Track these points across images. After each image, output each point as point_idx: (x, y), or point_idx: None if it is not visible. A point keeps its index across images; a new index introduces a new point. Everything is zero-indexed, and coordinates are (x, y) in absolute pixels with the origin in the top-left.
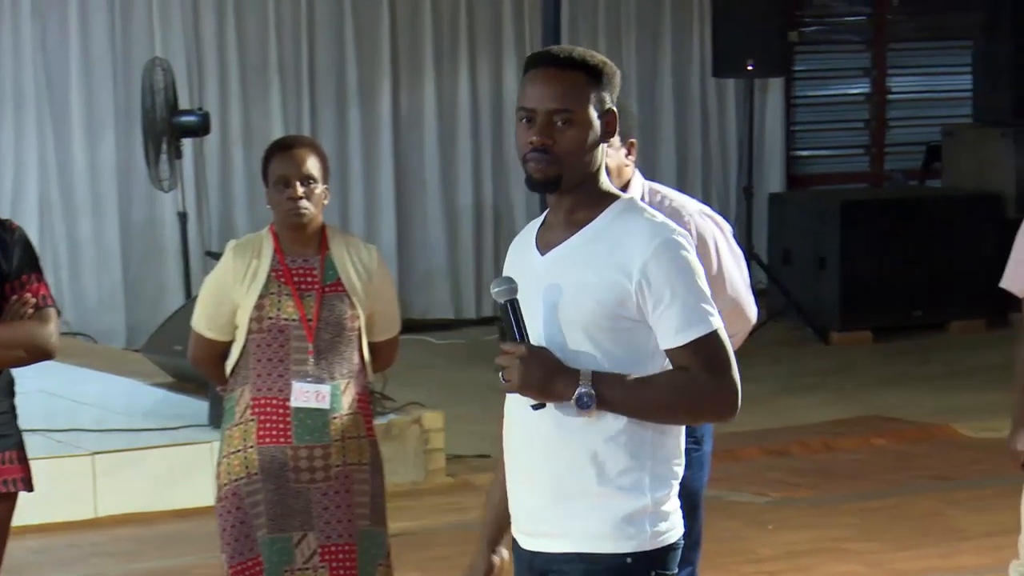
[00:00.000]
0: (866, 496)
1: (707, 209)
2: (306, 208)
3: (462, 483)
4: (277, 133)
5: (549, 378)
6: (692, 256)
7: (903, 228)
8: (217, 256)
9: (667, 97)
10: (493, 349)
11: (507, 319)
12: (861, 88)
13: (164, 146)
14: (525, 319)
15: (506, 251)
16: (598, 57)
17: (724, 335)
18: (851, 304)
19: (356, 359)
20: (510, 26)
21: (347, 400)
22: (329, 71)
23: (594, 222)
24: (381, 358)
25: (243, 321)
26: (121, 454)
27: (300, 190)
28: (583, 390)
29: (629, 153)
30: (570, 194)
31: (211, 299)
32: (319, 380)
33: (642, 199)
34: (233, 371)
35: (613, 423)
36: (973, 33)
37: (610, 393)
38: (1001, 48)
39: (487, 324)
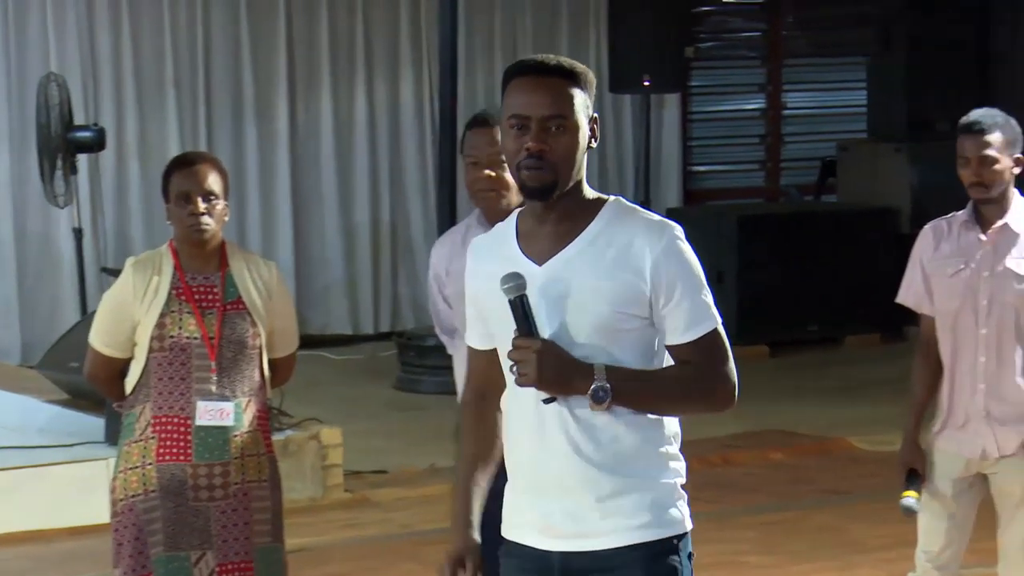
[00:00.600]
0: (764, 510)
1: None
2: (207, 224)
3: (360, 499)
4: (173, 148)
5: (565, 372)
6: (692, 251)
7: (799, 243)
8: (113, 272)
9: None
10: (391, 364)
11: (518, 315)
12: (757, 104)
13: (59, 162)
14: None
15: (404, 265)
16: (579, 64)
17: (722, 329)
18: (748, 319)
19: (257, 376)
20: (406, 41)
21: (248, 417)
22: (225, 86)
23: (591, 226)
24: (279, 374)
25: (143, 339)
26: (16, 471)
27: (202, 206)
28: (598, 384)
29: None
30: (560, 201)
31: (110, 316)
32: (222, 398)
33: None
34: (134, 388)
35: (629, 416)
36: (867, 49)
37: (624, 386)
38: (895, 64)
39: (385, 339)
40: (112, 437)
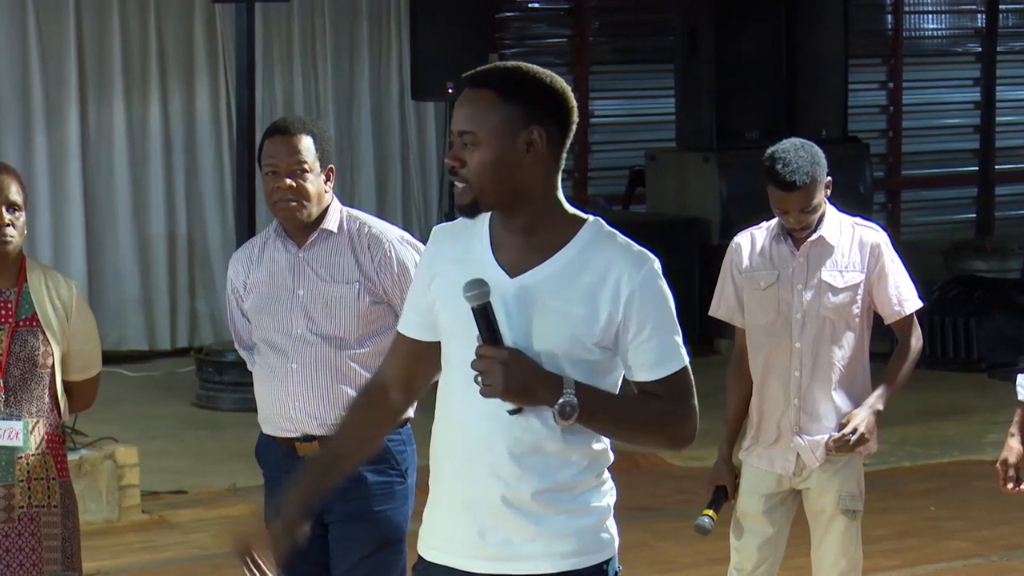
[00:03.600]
0: None
1: (408, 236)
2: (12, 236)
3: (157, 520)
4: None
5: (532, 382)
6: (667, 286)
7: None
8: None
9: (365, 120)
10: (189, 381)
11: (482, 323)
12: None
13: None
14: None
15: (201, 279)
16: (518, 72)
17: (690, 368)
18: None
19: (47, 397)
20: (202, 46)
21: (35, 439)
22: (13, 91)
23: (567, 247)
24: (80, 398)
25: None
26: None
27: (7, 217)
28: (567, 398)
29: (328, 179)
30: (522, 214)
31: None
32: (10, 416)
33: (341, 226)
34: None
35: (575, 441)
36: (675, 56)
37: (592, 405)
38: (703, 72)
39: (182, 355)
40: None
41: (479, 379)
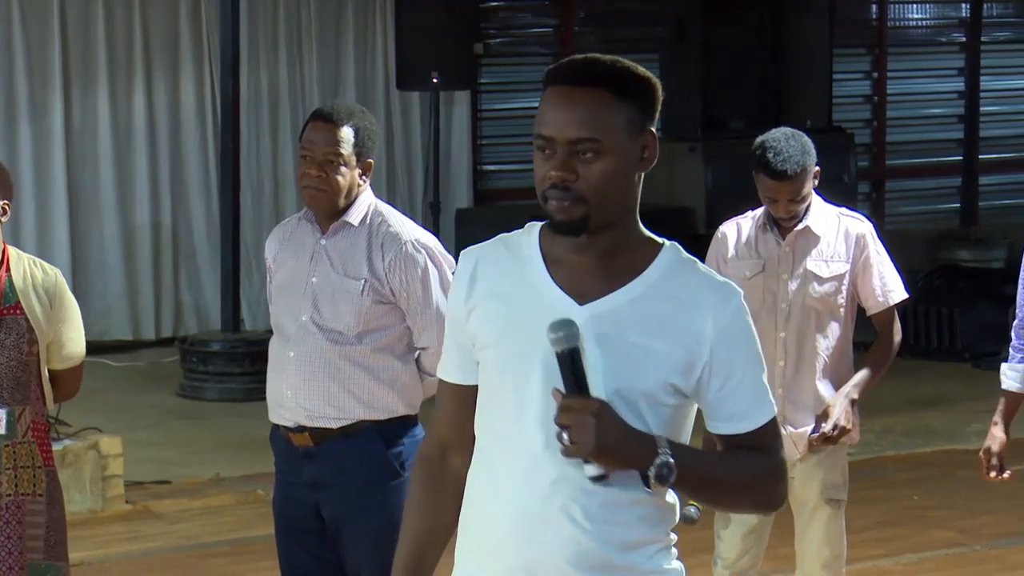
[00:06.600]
0: None
1: (424, 238)
2: None
3: (141, 510)
4: None
5: (625, 442)
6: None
7: None
8: None
9: None
10: (173, 371)
11: (567, 371)
12: None
13: None
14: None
15: (186, 269)
16: (637, 69)
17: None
18: None
19: (33, 385)
20: (187, 36)
21: (22, 427)
22: None
23: (645, 274)
24: (64, 388)
25: None
26: None
27: None
28: (662, 459)
29: (365, 173)
30: (605, 233)
31: None
32: None
33: (363, 220)
34: None
35: (645, 495)
36: (661, 46)
37: (689, 466)
38: (690, 62)
39: (166, 345)
40: None
41: (564, 436)
